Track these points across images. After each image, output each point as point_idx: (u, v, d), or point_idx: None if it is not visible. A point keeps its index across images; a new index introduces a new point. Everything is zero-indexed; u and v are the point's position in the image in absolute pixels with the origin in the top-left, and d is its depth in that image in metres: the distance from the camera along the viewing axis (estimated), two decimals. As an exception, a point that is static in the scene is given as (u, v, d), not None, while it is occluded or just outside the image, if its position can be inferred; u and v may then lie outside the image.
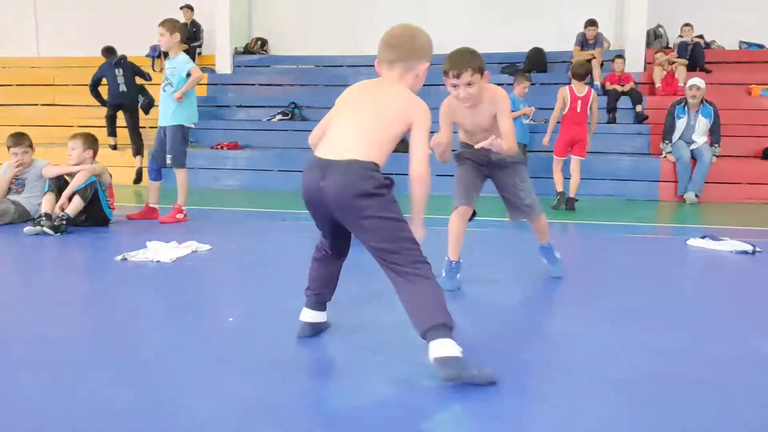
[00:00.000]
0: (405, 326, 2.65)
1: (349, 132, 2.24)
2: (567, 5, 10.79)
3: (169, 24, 5.30)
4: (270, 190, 8.06)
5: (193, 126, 5.46)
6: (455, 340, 2.08)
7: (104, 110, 9.11)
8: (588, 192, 7.52)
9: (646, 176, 7.87)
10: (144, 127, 9.77)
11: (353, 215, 2.15)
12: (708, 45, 10.40)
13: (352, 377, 2.18)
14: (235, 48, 11.86)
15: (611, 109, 9.06)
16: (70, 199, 4.82)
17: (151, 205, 5.49)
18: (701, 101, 7.61)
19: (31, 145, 5.25)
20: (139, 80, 9.07)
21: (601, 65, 9.75)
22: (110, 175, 5.20)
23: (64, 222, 4.70)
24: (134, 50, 9.90)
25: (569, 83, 6.96)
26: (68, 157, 5.09)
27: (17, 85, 11.96)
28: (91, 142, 5.14)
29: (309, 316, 2.54)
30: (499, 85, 3.57)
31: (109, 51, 9.19)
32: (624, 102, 9.12)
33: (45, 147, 8.22)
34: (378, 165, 2.17)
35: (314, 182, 2.18)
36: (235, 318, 2.82)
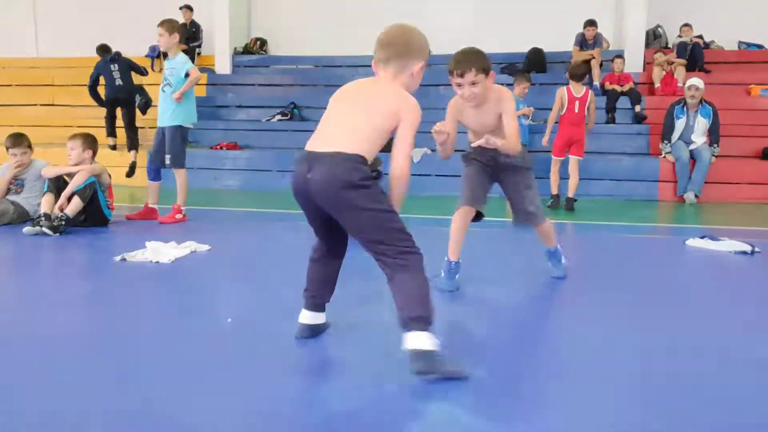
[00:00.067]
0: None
1: (337, 126, 2.27)
2: (566, 6, 10.79)
3: (168, 24, 5.30)
4: (269, 190, 8.06)
5: (192, 126, 5.46)
6: (435, 334, 2.11)
7: (103, 111, 9.14)
8: (587, 192, 7.52)
9: (646, 176, 7.87)
10: (143, 127, 9.78)
11: (340, 207, 2.17)
12: (707, 45, 10.41)
13: (351, 378, 2.18)
14: (235, 48, 11.86)
15: (610, 109, 9.07)
16: (69, 199, 4.82)
17: (150, 205, 5.49)
18: (700, 101, 7.61)
19: (29, 146, 5.25)
20: (136, 79, 9.12)
21: (601, 65, 9.76)
22: (109, 176, 5.20)
23: (63, 222, 4.70)
24: (133, 50, 9.91)
25: (568, 84, 6.97)
26: (67, 158, 5.08)
27: (16, 85, 11.95)
28: (90, 142, 5.14)
29: (307, 317, 2.54)
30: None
31: (103, 49, 9.26)
32: (623, 102, 9.13)
33: (44, 147, 8.22)
34: (365, 158, 2.18)
35: (302, 174, 2.21)
36: (233, 319, 2.82)
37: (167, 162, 5.30)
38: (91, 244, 4.53)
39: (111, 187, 5.19)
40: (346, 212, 2.18)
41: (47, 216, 4.73)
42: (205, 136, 9.69)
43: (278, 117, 10.07)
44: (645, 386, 2.16)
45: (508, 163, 3.32)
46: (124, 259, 3.90)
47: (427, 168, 8.24)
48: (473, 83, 3.05)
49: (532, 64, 10.15)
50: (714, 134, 7.65)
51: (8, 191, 5.19)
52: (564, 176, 6.96)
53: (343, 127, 2.25)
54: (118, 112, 9.02)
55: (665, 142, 7.80)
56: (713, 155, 7.58)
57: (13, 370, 2.25)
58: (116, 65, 8.86)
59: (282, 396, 2.06)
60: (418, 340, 2.09)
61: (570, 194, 6.79)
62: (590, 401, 2.05)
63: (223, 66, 11.67)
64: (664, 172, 7.77)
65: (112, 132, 9.25)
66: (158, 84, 5.53)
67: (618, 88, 9.14)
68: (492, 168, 3.37)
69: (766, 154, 8.12)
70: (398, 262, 2.15)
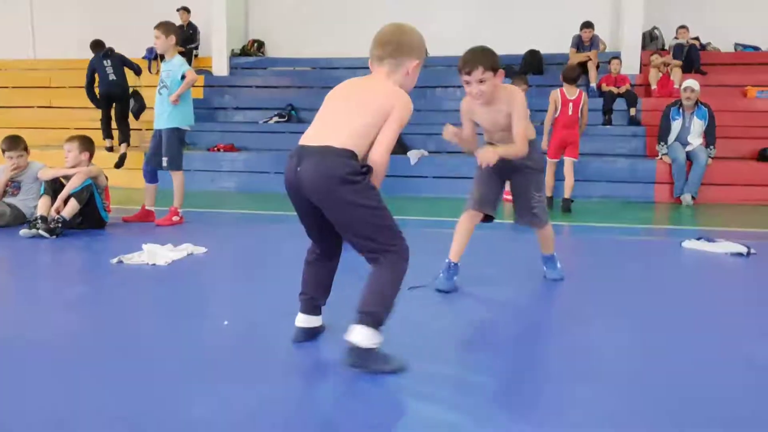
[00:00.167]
0: (400, 328, 2.67)
1: (328, 122, 2.28)
2: (563, 8, 10.81)
3: (165, 27, 5.30)
4: (266, 192, 8.05)
5: (189, 128, 5.47)
6: (382, 333, 2.16)
7: (100, 113, 9.15)
8: (584, 193, 7.53)
9: (642, 178, 7.88)
10: (140, 129, 9.79)
11: (329, 200, 2.18)
12: (703, 47, 10.43)
13: (348, 380, 2.18)
14: (232, 50, 11.85)
15: (607, 111, 9.08)
16: (65, 201, 4.81)
17: (147, 207, 5.49)
18: (696, 103, 7.63)
19: (26, 148, 5.25)
20: (131, 80, 9.16)
21: (597, 67, 9.78)
22: (106, 178, 5.20)
23: (60, 225, 4.70)
24: (131, 52, 9.90)
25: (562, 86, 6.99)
26: (64, 160, 5.08)
27: (13, 87, 11.94)
28: (87, 144, 5.14)
29: (303, 320, 2.54)
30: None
31: (97, 44, 9.32)
32: (620, 104, 9.14)
33: (41, 149, 8.21)
34: (355, 153, 2.19)
35: (292, 168, 2.23)
36: (230, 321, 2.82)
37: (164, 164, 5.31)
38: (88, 246, 4.53)
39: (108, 190, 5.19)
40: (334, 206, 2.19)
41: (44, 218, 4.73)
42: (202, 137, 9.68)
43: (275, 119, 10.06)
44: (640, 388, 2.16)
45: (521, 165, 3.35)
46: (120, 262, 3.90)
47: (424, 170, 8.24)
48: (481, 81, 3.07)
49: (529, 66, 10.16)
50: (710, 136, 7.67)
51: (5, 193, 5.19)
52: (559, 178, 6.97)
53: (334, 123, 2.26)
54: (113, 113, 9.07)
55: (661, 143, 7.81)
56: (709, 157, 7.59)
57: (10, 372, 2.25)
58: (109, 61, 8.99)
59: (279, 397, 2.06)
60: (359, 335, 2.14)
61: (566, 195, 6.81)
62: (586, 402, 2.05)
63: (220, 68, 11.66)
64: (661, 173, 7.79)
65: (108, 134, 9.28)
66: (155, 86, 5.53)
67: (615, 90, 9.15)
68: (504, 168, 3.35)
69: (762, 156, 8.13)
70: (379, 258, 2.19)
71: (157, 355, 2.42)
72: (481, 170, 3.39)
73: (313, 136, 2.26)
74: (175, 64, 5.34)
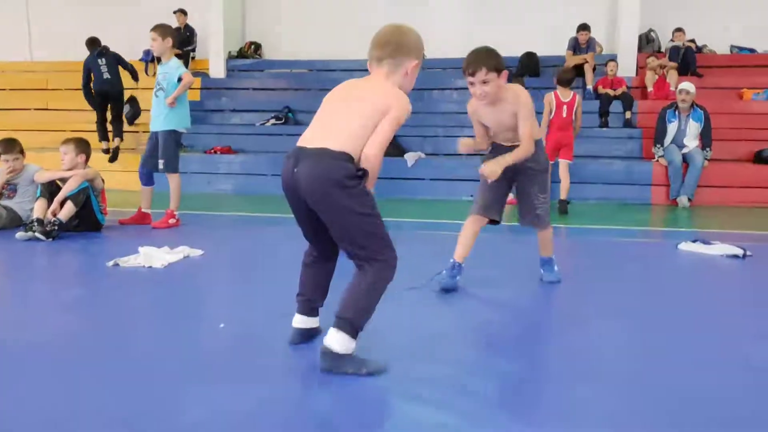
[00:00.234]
0: (397, 330, 2.67)
1: (325, 123, 2.29)
2: (559, 10, 10.84)
3: (161, 29, 5.30)
4: (263, 194, 8.06)
5: (185, 131, 5.46)
6: (355, 338, 2.18)
7: (96, 115, 9.17)
8: (580, 196, 7.55)
9: (639, 180, 7.90)
10: (137, 132, 9.80)
11: (323, 203, 2.19)
12: (699, 49, 10.47)
13: (344, 382, 2.18)
14: (229, 52, 11.86)
15: (603, 113, 9.10)
16: (62, 204, 4.81)
17: (143, 210, 5.48)
18: (691, 105, 7.66)
19: (21, 151, 5.24)
20: (126, 82, 9.18)
21: (594, 69, 9.80)
22: (103, 180, 5.19)
23: (56, 227, 4.69)
24: (127, 55, 9.89)
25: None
26: (60, 162, 5.08)
27: (10, 89, 11.92)
28: (83, 146, 5.13)
29: (300, 321, 2.54)
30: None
31: (92, 42, 9.33)
32: (616, 106, 9.16)
33: (37, 152, 8.20)
34: (351, 155, 2.18)
35: (289, 170, 2.24)
36: (226, 323, 2.82)
37: (160, 167, 5.30)
38: (84, 249, 4.53)
39: (104, 192, 5.18)
40: (329, 210, 2.20)
41: (40, 221, 4.72)
42: (199, 140, 9.68)
43: (272, 121, 10.07)
44: (635, 391, 2.17)
45: (525, 166, 3.37)
46: (116, 265, 3.89)
47: (420, 172, 8.25)
48: (484, 82, 3.09)
49: (526, 68, 10.18)
50: (706, 138, 7.69)
51: (0, 196, 5.18)
52: (554, 180, 6.98)
53: (331, 125, 2.26)
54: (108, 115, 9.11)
55: (658, 146, 7.84)
56: (705, 159, 7.62)
57: (7, 374, 2.25)
58: (104, 59, 9.01)
59: (277, 398, 2.06)
60: (334, 340, 2.17)
61: (563, 197, 6.83)
62: (582, 404, 2.06)
63: (217, 70, 11.67)
64: (657, 175, 7.81)
65: (104, 136, 9.28)
66: (151, 88, 5.53)
67: (611, 92, 9.18)
68: (508, 171, 3.34)
69: (758, 158, 8.16)
70: (364, 265, 2.20)
71: (153, 358, 2.42)
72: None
73: (311, 137, 2.26)
74: (171, 67, 5.34)
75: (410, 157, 8.30)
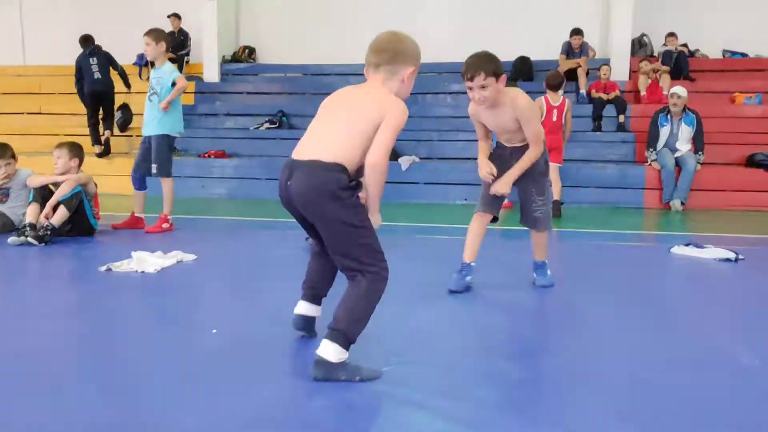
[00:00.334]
0: (391, 335, 2.67)
1: (318, 134, 2.30)
2: (553, 15, 10.88)
3: (155, 33, 5.30)
4: (257, 198, 8.05)
5: (178, 135, 5.47)
6: (348, 349, 2.20)
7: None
8: (574, 199, 7.57)
9: (632, 184, 7.93)
10: (130, 136, 9.78)
11: (316, 215, 2.22)
12: (692, 54, 10.52)
13: (338, 389, 2.17)
14: (223, 56, 11.84)
15: (597, 117, 9.13)
16: (54, 209, 4.79)
17: (136, 214, 5.47)
18: (683, 109, 7.69)
19: (13, 156, 5.22)
20: (119, 87, 9.19)
21: (587, 74, 9.84)
22: (96, 185, 5.18)
23: (49, 232, 4.67)
24: (121, 58, 9.89)
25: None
26: (54, 166, 5.06)
27: (3, 93, 11.87)
28: (76, 150, 5.12)
29: (304, 308, 2.59)
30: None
31: (86, 39, 9.33)
32: (609, 110, 9.19)
33: (30, 156, 8.18)
34: (344, 166, 2.19)
35: (284, 181, 2.27)
36: (219, 329, 2.82)
37: (153, 171, 5.29)
38: (77, 254, 4.51)
39: (97, 197, 5.17)
40: (321, 221, 2.23)
41: (32, 226, 4.70)
42: (193, 144, 9.66)
43: (266, 125, 10.06)
44: (631, 394, 2.18)
45: (527, 169, 3.42)
46: (109, 270, 3.88)
47: (415, 176, 8.26)
48: (483, 86, 3.13)
49: (519, 73, 10.21)
50: (698, 142, 7.73)
51: (-7, 200, 5.16)
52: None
53: (324, 136, 2.27)
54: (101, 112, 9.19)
55: (650, 149, 7.87)
56: (698, 163, 7.65)
57: (-5, 382, 2.24)
58: (95, 59, 9.04)
59: (268, 405, 2.05)
60: (326, 350, 2.19)
61: (555, 197, 6.85)
62: (578, 407, 2.06)
63: (211, 74, 11.65)
64: (650, 179, 7.84)
65: (97, 140, 9.28)
66: (145, 93, 5.52)
67: (604, 96, 9.21)
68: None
69: (750, 162, 8.20)
70: (357, 276, 2.21)
71: (146, 363, 2.41)
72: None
73: (303, 149, 2.28)
74: (165, 71, 5.33)
75: (404, 161, 8.31)
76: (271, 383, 2.23)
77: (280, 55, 11.98)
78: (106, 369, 2.36)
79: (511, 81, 8.69)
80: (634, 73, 10.20)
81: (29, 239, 4.60)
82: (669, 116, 7.75)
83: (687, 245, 4.68)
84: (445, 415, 1.98)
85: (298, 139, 2.46)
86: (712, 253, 4.48)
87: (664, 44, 10.28)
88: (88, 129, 9.29)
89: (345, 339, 2.19)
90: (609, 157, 8.74)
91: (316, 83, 11.09)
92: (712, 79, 10.15)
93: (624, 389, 2.23)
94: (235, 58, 12.01)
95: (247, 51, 12.11)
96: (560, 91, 6.99)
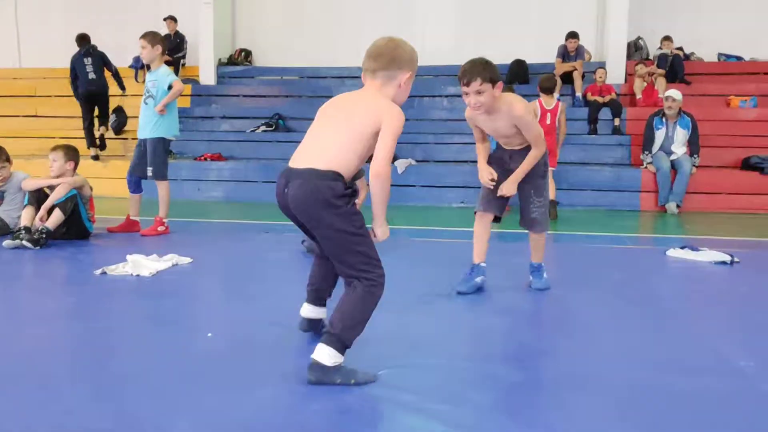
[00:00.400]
0: (386, 338, 2.66)
1: (314, 142, 2.31)
2: (548, 18, 10.91)
3: (151, 36, 5.29)
4: (253, 201, 8.04)
5: (174, 138, 5.45)
6: (343, 353, 2.21)
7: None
8: (569, 202, 7.58)
9: (628, 186, 7.94)
10: (126, 139, 9.77)
11: (312, 222, 2.24)
12: (687, 57, 10.55)
13: (333, 393, 2.17)
14: (219, 59, 11.85)
15: (592, 120, 9.16)
16: (50, 212, 4.77)
17: (131, 217, 5.46)
18: (678, 112, 7.72)
19: (8, 159, 5.21)
20: (114, 90, 9.20)
21: (583, 77, 9.86)
22: (91, 188, 5.17)
23: (44, 235, 4.66)
24: (117, 61, 9.88)
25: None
26: (49, 169, 5.04)
27: (-2, 96, 11.87)
28: (72, 153, 5.10)
29: (308, 311, 2.62)
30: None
31: (82, 38, 9.30)
32: (605, 113, 9.22)
33: (26, 159, 8.16)
34: (340, 174, 2.21)
35: (281, 189, 2.29)
36: (215, 332, 2.81)
37: (149, 174, 5.29)
38: (72, 257, 4.49)
39: (92, 200, 5.15)
40: (317, 228, 2.25)
41: (27, 229, 4.69)
42: (189, 146, 9.66)
43: (263, 128, 10.05)
44: (627, 396, 2.18)
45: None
46: (104, 273, 3.87)
47: (411, 179, 8.26)
48: (479, 92, 3.16)
49: (515, 76, 10.23)
50: (693, 145, 7.75)
51: (-12, 203, 5.14)
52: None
53: (320, 143, 2.29)
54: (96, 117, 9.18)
55: (646, 152, 7.89)
56: (694, 165, 7.68)
57: (-11, 386, 2.23)
58: (90, 59, 9.00)
59: (263, 409, 2.05)
60: (321, 354, 2.19)
61: (551, 198, 6.86)
62: (573, 410, 2.06)
63: (207, 77, 11.65)
64: (646, 182, 7.85)
65: (92, 142, 9.26)
66: (140, 95, 5.51)
67: (600, 99, 9.24)
68: (508, 174, 3.49)
69: (745, 165, 8.23)
70: (353, 282, 2.23)
71: (141, 367, 2.40)
72: None
73: (300, 157, 2.29)
74: (161, 74, 5.33)
75: (401, 164, 8.31)
76: (268, 386, 2.22)
77: (277, 58, 11.99)
78: (101, 372, 2.35)
79: (507, 84, 8.69)
80: (629, 76, 10.23)
81: (24, 242, 4.59)
82: (664, 119, 7.78)
83: (683, 248, 4.69)
84: (442, 418, 1.98)
85: (295, 142, 2.47)
86: (708, 255, 4.49)
87: (660, 47, 10.31)
88: (83, 132, 9.26)
89: (340, 343, 2.20)
90: (605, 160, 8.76)
91: (313, 86, 11.10)
92: (707, 82, 10.19)
93: (620, 392, 2.23)
94: (232, 61, 12.01)
95: (243, 54, 12.11)
96: (555, 95, 7.01)
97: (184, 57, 11.63)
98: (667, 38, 10.22)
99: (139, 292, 3.58)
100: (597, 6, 10.95)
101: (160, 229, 5.32)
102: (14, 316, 3.13)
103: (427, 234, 5.70)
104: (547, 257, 3.75)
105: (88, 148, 9.12)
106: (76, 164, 5.13)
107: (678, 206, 7.48)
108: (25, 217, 4.80)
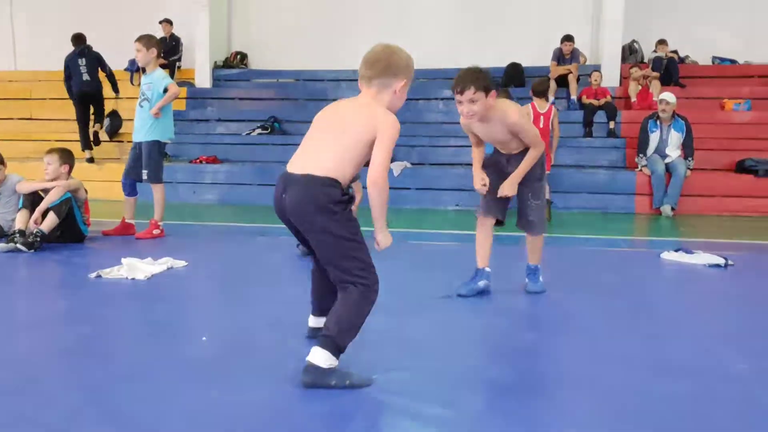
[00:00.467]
0: (382, 341, 2.66)
1: (311, 148, 2.33)
2: (544, 21, 10.93)
3: (146, 39, 5.29)
4: (249, 204, 8.03)
5: (169, 141, 5.45)
6: (338, 357, 2.21)
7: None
8: (564, 205, 7.60)
9: (622, 189, 7.97)
10: (121, 142, 9.75)
11: (308, 228, 2.26)
12: (682, 60, 10.59)
13: (328, 396, 2.17)
14: (215, 62, 11.83)
15: (588, 123, 9.18)
16: (44, 215, 4.76)
17: (126, 220, 5.45)
18: (673, 115, 7.75)
19: (2, 162, 5.19)
20: (108, 93, 9.19)
21: (578, 80, 9.89)
22: (86, 191, 5.15)
23: (39, 238, 4.65)
24: (113, 64, 9.86)
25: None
26: (44, 172, 5.03)
27: (-7, 98, 11.83)
28: (67, 157, 5.09)
29: (314, 322, 2.64)
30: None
31: (78, 38, 9.28)
32: (600, 116, 9.25)
33: (21, 162, 8.14)
34: (337, 180, 2.23)
35: (278, 194, 2.31)
36: (209, 335, 2.81)
37: (144, 177, 5.28)
38: (67, 260, 4.48)
39: (87, 203, 5.14)
40: (313, 233, 2.27)
41: (22, 232, 4.67)
42: (185, 149, 9.65)
43: (258, 131, 10.05)
44: (623, 398, 2.18)
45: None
46: (99, 276, 3.86)
47: (407, 181, 8.27)
48: (472, 101, 3.17)
49: (511, 79, 10.26)
50: (688, 148, 7.79)
51: (-18, 207, 5.12)
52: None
53: (317, 149, 2.31)
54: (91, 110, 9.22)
55: (641, 155, 7.92)
56: (688, 168, 7.70)
57: (-17, 391, 2.22)
58: (84, 60, 8.99)
59: (259, 411, 2.05)
60: (316, 356, 2.20)
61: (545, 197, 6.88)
62: (570, 412, 2.06)
63: (203, 80, 11.63)
64: (641, 185, 7.88)
65: (87, 145, 9.25)
66: (135, 98, 5.51)
67: (595, 102, 9.27)
68: (506, 176, 3.50)
69: (740, 168, 8.26)
70: (347, 287, 2.25)
71: (136, 371, 2.39)
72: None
73: (297, 163, 2.31)
74: (156, 77, 5.32)
75: (396, 167, 8.32)
76: (263, 389, 2.22)
77: (272, 61, 11.98)
78: (95, 376, 2.34)
79: (503, 87, 8.72)
80: (624, 79, 10.27)
81: (18, 246, 4.58)
82: (658, 122, 7.81)
83: (677, 251, 4.70)
84: (437, 421, 1.98)
85: (290, 144, 2.47)
86: (702, 258, 4.50)
87: (655, 51, 10.35)
88: (78, 135, 9.24)
89: (335, 346, 2.20)
90: (600, 162, 8.79)
91: (309, 89, 11.10)
92: (701, 85, 10.23)
93: (615, 394, 2.23)
94: (227, 64, 12.00)
95: (239, 57, 12.10)
96: (550, 98, 7.03)
97: (179, 60, 11.61)
98: (661, 41, 10.26)
99: (134, 295, 3.57)
100: (592, 9, 10.98)
101: (155, 232, 5.31)
102: (8, 320, 3.12)
103: (422, 237, 5.70)
104: (542, 260, 3.76)
105: (83, 150, 9.11)
106: (71, 167, 5.11)
107: (672, 209, 7.50)
108: (20, 220, 4.79)
